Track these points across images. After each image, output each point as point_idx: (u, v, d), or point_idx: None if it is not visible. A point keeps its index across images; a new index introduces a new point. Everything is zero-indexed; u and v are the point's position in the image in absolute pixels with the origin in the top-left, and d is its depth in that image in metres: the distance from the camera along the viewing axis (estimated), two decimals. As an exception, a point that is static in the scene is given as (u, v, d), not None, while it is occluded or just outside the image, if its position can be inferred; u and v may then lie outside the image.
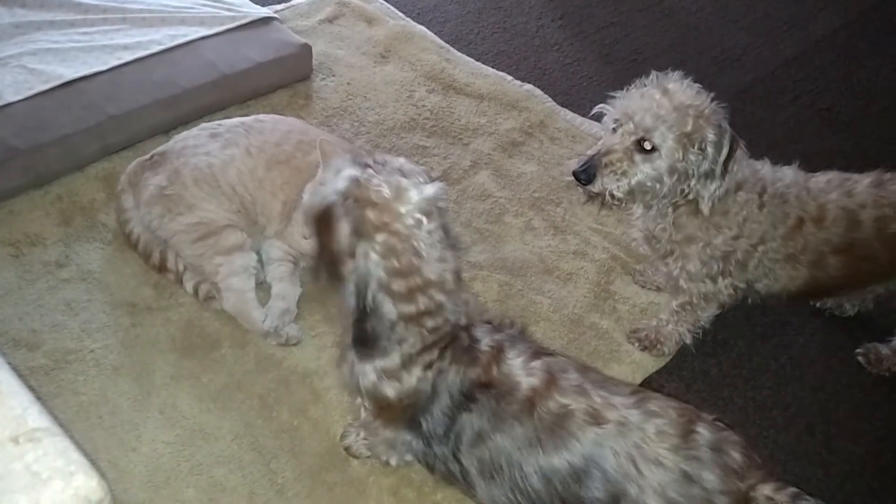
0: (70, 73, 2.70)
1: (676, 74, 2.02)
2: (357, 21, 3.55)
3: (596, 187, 2.02)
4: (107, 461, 2.00)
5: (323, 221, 1.56)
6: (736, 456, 1.53)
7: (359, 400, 1.82)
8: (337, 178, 1.56)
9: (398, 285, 1.54)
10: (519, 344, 1.69)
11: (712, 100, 2.00)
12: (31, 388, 1.17)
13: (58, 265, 2.41)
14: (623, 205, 2.09)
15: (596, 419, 1.56)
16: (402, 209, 1.52)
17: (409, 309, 1.57)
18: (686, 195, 2.05)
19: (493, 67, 3.44)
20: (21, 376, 1.19)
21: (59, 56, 2.78)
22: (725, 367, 2.48)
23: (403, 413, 1.71)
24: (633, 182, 2.00)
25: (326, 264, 1.60)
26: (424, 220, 1.53)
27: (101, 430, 2.07)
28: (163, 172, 2.34)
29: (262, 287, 2.41)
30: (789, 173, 2.20)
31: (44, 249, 2.44)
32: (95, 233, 2.52)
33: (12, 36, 2.83)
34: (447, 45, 3.49)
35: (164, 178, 2.33)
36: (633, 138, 1.98)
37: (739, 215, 2.11)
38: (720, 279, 2.22)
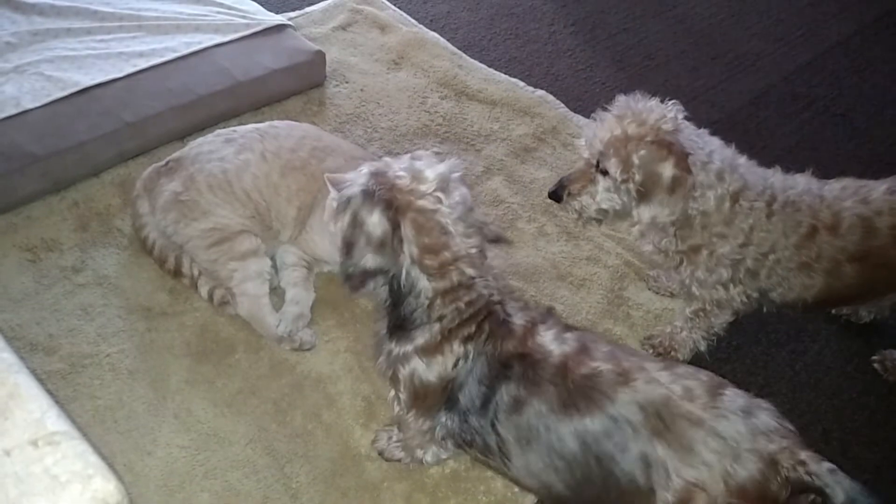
0: (87, 80, 2.73)
1: (641, 97, 2.04)
2: (370, 28, 3.56)
3: (566, 208, 2.18)
4: (122, 465, 2.02)
5: (351, 216, 1.63)
6: (766, 420, 1.53)
7: (392, 393, 1.84)
8: (357, 177, 1.65)
9: (431, 261, 1.61)
10: (550, 319, 1.75)
11: (679, 120, 2.01)
12: (49, 393, 1.18)
13: (74, 270, 2.43)
14: (602, 223, 2.20)
15: (626, 379, 1.59)
16: (423, 188, 1.60)
17: (444, 284, 1.63)
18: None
19: (505, 73, 3.44)
20: (38, 380, 1.20)
21: (76, 63, 2.81)
22: (740, 374, 2.47)
23: (441, 395, 1.74)
24: (597, 202, 2.10)
25: (355, 261, 1.64)
26: (443, 196, 1.61)
27: (116, 434, 2.09)
28: (178, 178, 2.36)
29: (276, 292, 2.42)
30: (801, 181, 2.18)
31: (60, 254, 2.47)
32: (111, 238, 2.54)
33: (30, 44, 2.86)
34: (460, 52, 3.51)
35: (179, 184, 2.35)
36: (592, 161, 2.09)
37: (745, 224, 2.09)
38: (731, 286, 2.21)
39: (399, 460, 2.08)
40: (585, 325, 2.50)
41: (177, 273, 2.40)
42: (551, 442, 1.64)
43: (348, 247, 1.65)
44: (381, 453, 2.11)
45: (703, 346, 2.38)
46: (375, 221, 1.59)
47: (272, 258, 2.45)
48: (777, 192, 2.11)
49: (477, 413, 1.73)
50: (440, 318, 1.66)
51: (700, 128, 2.10)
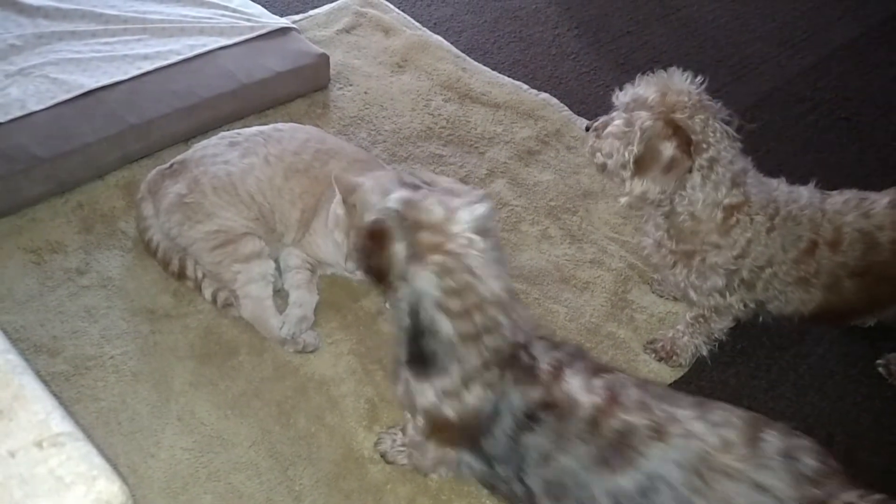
0: (91, 82, 2.74)
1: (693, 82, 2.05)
2: (374, 31, 3.57)
3: (584, 142, 2.21)
4: (126, 467, 2.02)
5: (375, 242, 1.57)
6: (809, 462, 1.47)
7: (408, 417, 1.81)
8: (388, 200, 1.56)
9: (454, 304, 1.54)
10: (577, 362, 1.66)
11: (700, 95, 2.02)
12: (53, 394, 1.18)
13: (78, 272, 2.44)
14: (603, 173, 2.17)
15: (659, 434, 1.52)
16: (455, 229, 1.53)
17: (468, 328, 1.56)
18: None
19: (509, 77, 3.44)
20: (43, 382, 1.20)
21: (80, 66, 2.81)
22: (744, 378, 2.46)
23: (461, 433, 1.68)
24: (604, 148, 2.10)
25: (377, 282, 1.61)
26: (477, 238, 1.54)
27: (120, 436, 2.09)
28: (182, 181, 2.36)
29: (280, 295, 2.42)
30: (805, 194, 2.15)
31: (65, 256, 2.47)
32: (115, 240, 2.54)
33: (35, 46, 2.87)
34: (463, 55, 3.51)
35: (183, 187, 2.35)
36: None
37: (742, 237, 2.07)
38: (728, 294, 2.19)
39: (403, 465, 2.07)
40: (589, 329, 2.50)
41: (181, 275, 2.41)
42: (582, 499, 1.57)
43: (369, 266, 1.61)
44: (383, 456, 2.10)
45: (704, 351, 2.37)
46: (398, 256, 1.53)
47: (276, 260, 2.45)
48: (780, 206, 2.09)
49: (503, 462, 1.66)
50: (460, 361, 1.59)
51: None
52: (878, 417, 2.42)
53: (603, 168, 2.14)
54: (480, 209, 1.57)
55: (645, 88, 2.04)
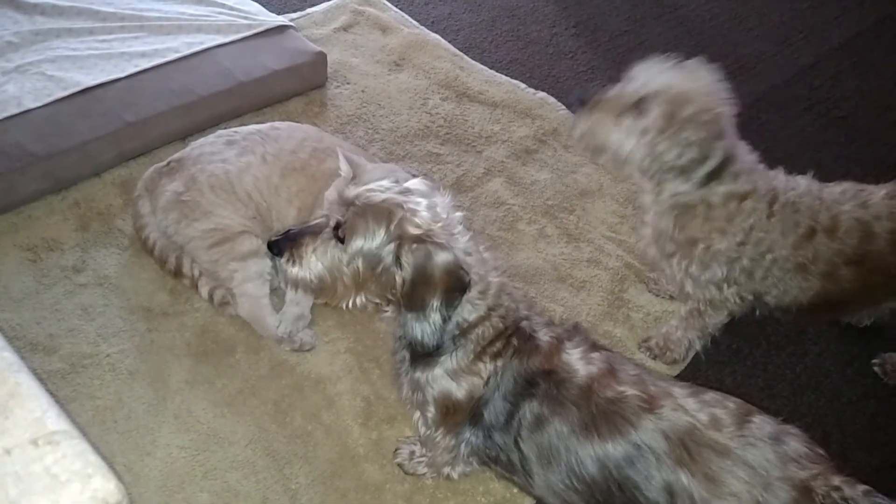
0: (88, 80, 2.74)
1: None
2: (372, 29, 3.57)
3: None
4: (122, 465, 2.02)
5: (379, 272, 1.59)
6: (796, 446, 1.51)
7: (417, 415, 1.83)
8: (375, 236, 1.57)
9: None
10: (576, 336, 1.73)
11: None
12: (49, 392, 1.18)
13: (75, 270, 2.43)
14: (599, 157, 2.16)
15: (650, 405, 1.57)
16: (438, 226, 1.56)
17: (469, 318, 1.64)
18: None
19: (506, 75, 3.44)
20: (39, 380, 1.20)
21: (77, 63, 2.81)
22: (740, 377, 2.47)
23: (469, 411, 1.73)
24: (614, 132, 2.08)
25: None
26: (460, 227, 1.60)
27: (116, 434, 2.09)
28: (179, 179, 2.36)
29: (277, 293, 2.42)
30: (803, 183, 2.18)
31: (61, 254, 2.47)
32: (112, 238, 2.54)
33: (32, 43, 2.87)
34: (461, 54, 3.51)
35: (180, 185, 2.35)
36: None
37: (746, 223, 2.09)
38: (725, 287, 2.21)
39: (423, 475, 2.07)
40: (586, 327, 2.50)
41: (177, 273, 2.40)
42: (571, 464, 1.63)
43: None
44: (401, 466, 2.10)
45: (698, 346, 2.38)
46: (404, 276, 1.56)
47: (272, 259, 2.45)
48: (779, 194, 2.12)
49: (501, 429, 1.71)
50: (472, 340, 1.65)
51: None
52: (873, 416, 2.42)
53: (602, 151, 2.10)
54: (447, 199, 1.64)
55: (668, 75, 2.01)
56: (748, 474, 1.48)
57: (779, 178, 2.17)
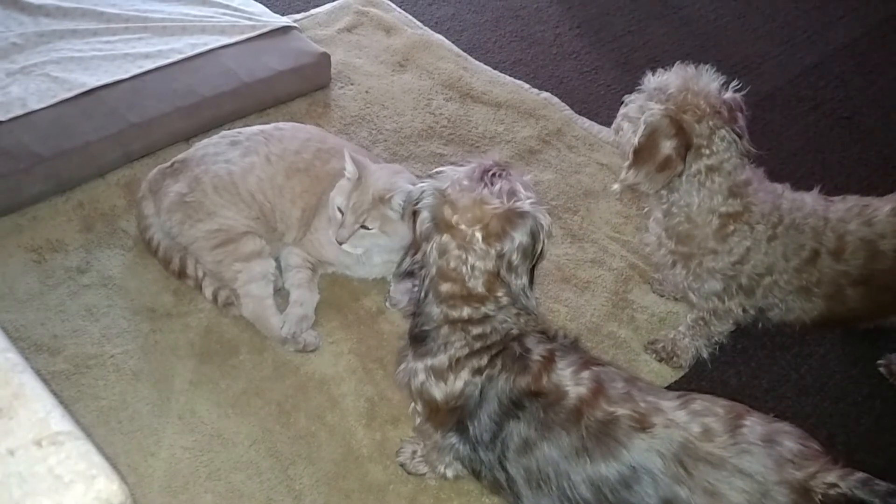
0: (92, 81, 2.74)
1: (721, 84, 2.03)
2: (375, 30, 3.57)
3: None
4: (126, 466, 2.02)
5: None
6: (790, 445, 1.49)
7: (412, 405, 1.84)
8: (441, 177, 1.63)
9: (445, 287, 1.61)
10: (570, 354, 1.69)
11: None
12: (53, 393, 1.18)
13: (79, 271, 2.44)
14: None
15: (642, 424, 1.55)
16: (471, 216, 1.56)
17: (453, 313, 1.63)
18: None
19: (510, 76, 3.44)
20: (43, 381, 1.20)
21: (81, 64, 2.81)
22: (745, 378, 2.46)
23: (450, 416, 1.73)
24: (620, 119, 2.12)
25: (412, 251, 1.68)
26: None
27: (120, 435, 2.09)
28: (183, 180, 2.36)
29: (281, 294, 2.42)
30: (809, 201, 2.14)
31: (65, 255, 2.47)
32: (116, 239, 2.54)
33: (36, 45, 2.87)
34: (465, 54, 3.50)
35: (184, 186, 2.35)
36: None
37: (741, 245, 2.07)
38: (727, 299, 2.18)
39: (423, 475, 2.07)
40: (590, 328, 2.50)
41: (181, 274, 2.40)
42: (563, 488, 1.60)
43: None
44: (403, 466, 2.09)
45: (705, 354, 2.37)
46: (423, 223, 1.60)
47: (276, 259, 2.45)
48: (784, 215, 2.08)
49: (486, 447, 1.70)
50: (446, 344, 1.65)
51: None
52: (878, 418, 2.41)
53: (616, 145, 2.14)
54: (528, 206, 1.62)
55: (672, 79, 2.01)
56: (746, 483, 1.46)
57: (785, 195, 2.13)
